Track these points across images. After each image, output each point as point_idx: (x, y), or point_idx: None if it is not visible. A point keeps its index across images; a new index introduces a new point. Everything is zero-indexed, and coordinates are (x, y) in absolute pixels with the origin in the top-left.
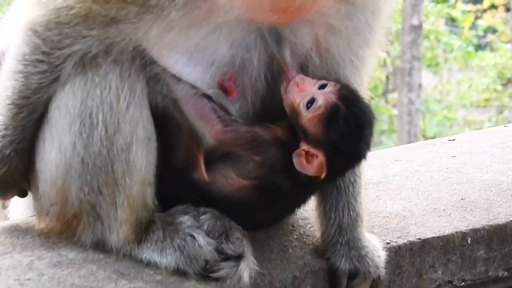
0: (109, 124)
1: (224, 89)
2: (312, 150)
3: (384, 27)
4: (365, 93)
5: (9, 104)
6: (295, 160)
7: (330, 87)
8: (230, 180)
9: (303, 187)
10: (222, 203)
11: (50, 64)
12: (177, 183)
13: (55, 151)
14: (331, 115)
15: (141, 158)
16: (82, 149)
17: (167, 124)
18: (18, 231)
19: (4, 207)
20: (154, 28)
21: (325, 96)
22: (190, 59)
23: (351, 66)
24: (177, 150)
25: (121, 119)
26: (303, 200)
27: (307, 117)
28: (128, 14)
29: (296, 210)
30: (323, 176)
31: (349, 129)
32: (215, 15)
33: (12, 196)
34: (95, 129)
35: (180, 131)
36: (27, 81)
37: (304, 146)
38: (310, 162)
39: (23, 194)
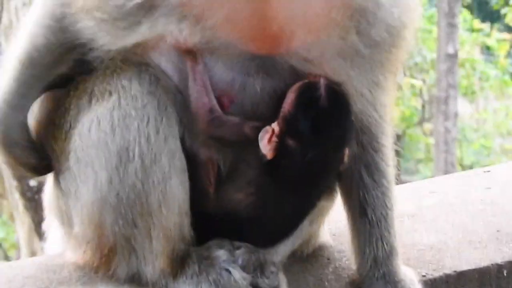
0: (145, 156)
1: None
2: (278, 131)
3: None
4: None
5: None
6: (260, 134)
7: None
8: (235, 199)
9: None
10: (235, 224)
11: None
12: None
13: (92, 190)
14: (307, 95)
15: (178, 189)
16: (117, 183)
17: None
18: (55, 266)
19: (43, 239)
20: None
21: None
22: None
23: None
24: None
25: (159, 151)
26: (301, 205)
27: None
28: None
29: (303, 216)
30: (269, 156)
31: (323, 113)
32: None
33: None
34: (131, 162)
35: (195, 164)
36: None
37: (275, 126)
38: (270, 142)
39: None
